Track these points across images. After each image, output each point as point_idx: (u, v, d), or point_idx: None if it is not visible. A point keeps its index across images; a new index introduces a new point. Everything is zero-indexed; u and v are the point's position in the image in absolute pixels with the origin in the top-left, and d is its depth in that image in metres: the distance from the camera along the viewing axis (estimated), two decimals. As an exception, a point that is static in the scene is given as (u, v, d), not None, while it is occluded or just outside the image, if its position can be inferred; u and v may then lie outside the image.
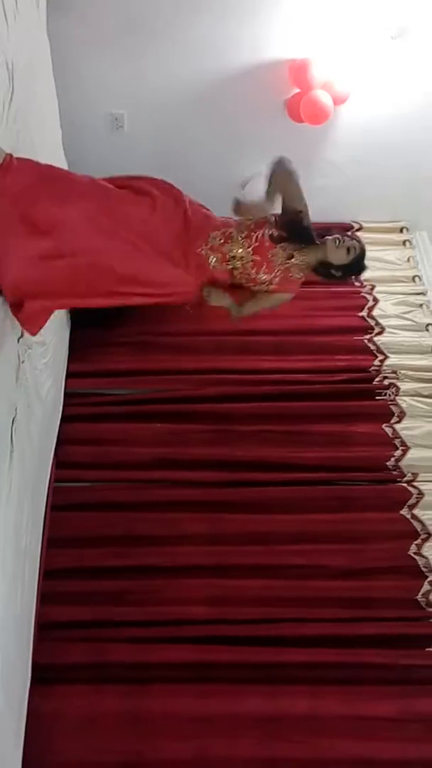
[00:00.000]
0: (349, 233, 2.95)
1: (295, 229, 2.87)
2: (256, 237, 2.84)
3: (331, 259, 2.86)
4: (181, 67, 4.10)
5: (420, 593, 3.46)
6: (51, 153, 3.58)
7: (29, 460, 2.87)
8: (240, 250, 2.80)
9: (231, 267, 2.81)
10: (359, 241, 2.98)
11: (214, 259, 2.78)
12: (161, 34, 3.93)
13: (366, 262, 4.64)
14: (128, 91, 4.20)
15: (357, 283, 4.74)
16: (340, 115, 4.32)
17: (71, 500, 3.65)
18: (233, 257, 2.79)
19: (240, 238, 2.82)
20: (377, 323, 4.53)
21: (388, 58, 4.05)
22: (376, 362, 4.32)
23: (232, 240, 2.81)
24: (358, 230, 5.02)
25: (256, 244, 2.83)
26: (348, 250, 2.85)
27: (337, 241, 2.84)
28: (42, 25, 3.41)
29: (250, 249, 2.82)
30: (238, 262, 2.80)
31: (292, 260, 2.86)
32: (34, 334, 2.65)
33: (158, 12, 3.83)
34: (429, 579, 3.49)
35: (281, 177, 2.86)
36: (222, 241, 2.81)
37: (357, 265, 2.99)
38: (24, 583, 2.74)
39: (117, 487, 3.78)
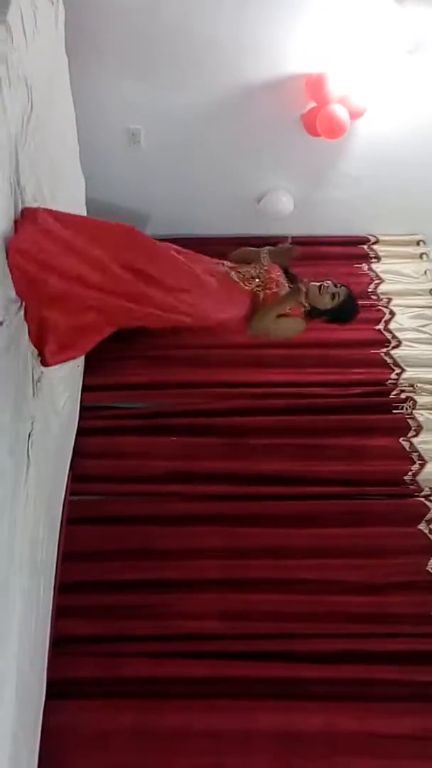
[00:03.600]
0: (335, 283, 3.03)
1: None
2: (266, 265, 3.05)
3: (316, 304, 2.92)
4: (197, 82, 4.12)
5: (437, 609, 3.44)
6: (68, 168, 3.61)
7: (45, 474, 2.87)
8: (258, 272, 2.97)
9: (254, 287, 2.85)
10: (345, 286, 3.07)
11: (236, 275, 2.83)
12: (178, 50, 3.95)
13: (383, 275, 4.72)
14: (145, 106, 4.22)
15: (374, 296, 4.74)
16: (357, 130, 4.32)
17: (86, 514, 3.66)
18: (253, 277, 2.91)
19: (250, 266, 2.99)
20: (394, 336, 4.52)
21: (404, 72, 4.06)
22: (393, 375, 4.31)
23: (245, 269, 3.00)
24: (374, 243, 5.03)
25: (266, 267, 3.01)
26: (333, 296, 2.93)
27: (321, 288, 2.92)
28: (60, 42, 3.43)
29: (263, 269, 2.98)
30: (258, 280, 2.87)
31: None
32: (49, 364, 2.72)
33: (174, 28, 3.85)
34: (446, 595, 3.47)
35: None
36: (237, 267, 3.00)
37: (345, 311, 3.04)
38: (39, 597, 2.74)
39: (132, 501, 3.78)
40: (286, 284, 2.96)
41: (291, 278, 3.09)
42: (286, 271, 3.11)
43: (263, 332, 3.03)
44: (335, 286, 2.98)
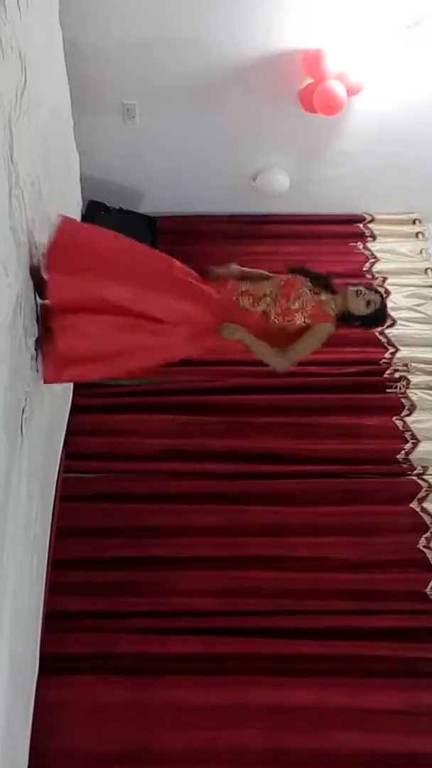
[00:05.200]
0: (371, 286, 2.95)
1: (310, 273, 2.98)
2: (283, 280, 2.91)
3: (351, 309, 2.89)
4: (193, 58, 4.08)
5: (429, 586, 3.45)
6: (63, 143, 3.58)
7: (39, 451, 2.86)
8: (270, 289, 2.84)
9: (264, 306, 2.80)
10: (381, 295, 2.99)
11: (246, 300, 2.82)
12: (174, 24, 3.90)
13: (378, 254, 4.70)
14: (140, 81, 4.18)
15: (369, 276, 4.73)
16: (354, 106, 4.29)
17: (80, 491, 3.66)
18: (264, 294, 2.82)
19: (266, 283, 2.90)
20: (388, 316, 4.49)
21: (403, 48, 4.02)
22: (387, 355, 4.31)
23: (258, 286, 2.87)
24: (370, 222, 5.00)
25: (284, 281, 2.89)
26: (368, 303, 2.89)
27: (359, 292, 2.87)
28: (54, 14, 3.39)
29: (278, 285, 2.87)
30: (269, 298, 2.82)
31: (320, 296, 2.89)
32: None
33: (170, 2, 3.81)
34: (438, 572, 3.49)
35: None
36: (249, 288, 2.86)
37: (377, 319, 3.02)
38: (32, 573, 2.75)
39: (126, 479, 3.79)
40: (308, 294, 2.86)
41: (323, 285, 2.97)
42: (319, 279, 2.98)
43: (284, 366, 2.92)
44: (370, 292, 2.92)
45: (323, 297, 2.90)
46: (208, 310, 2.79)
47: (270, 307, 2.81)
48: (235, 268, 2.98)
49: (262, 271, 3.02)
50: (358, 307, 2.89)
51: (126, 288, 2.67)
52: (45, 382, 2.79)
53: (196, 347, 2.90)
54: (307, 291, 2.88)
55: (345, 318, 2.94)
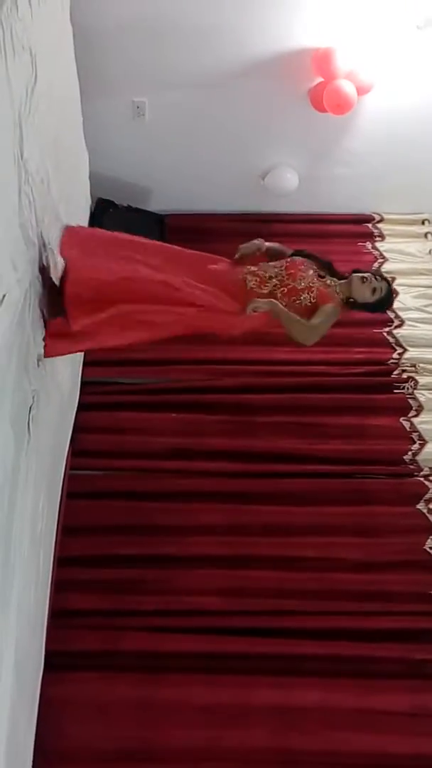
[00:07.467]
0: (378, 272, 2.94)
1: (313, 257, 3.00)
2: (287, 261, 2.91)
3: (355, 296, 2.89)
4: (204, 55, 4.08)
5: (435, 588, 3.45)
6: (72, 141, 3.58)
7: (46, 448, 2.86)
8: (275, 271, 2.85)
9: (271, 288, 2.81)
10: (388, 281, 2.99)
11: (253, 282, 2.82)
12: (184, 22, 3.91)
13: (387, 254, 4.69)
14: (150, 79, 4.18)
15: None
16: (364, 106, 4.28)
17: (87, 488, 3.66)
18: (270, 277, 2.83)
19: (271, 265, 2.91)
20: (397, 316, 4.49)
21: (413, 48, 4.01)
22: (395, 355, 4.30)
23: (265, 268, 2.88)
24: (379, 222, 4.99)
25: (288, 262, 2.90)
26: (374, 290, 2.88)
27: (364, 279, 2.87)
28: (66, 12, 3.39)
29: (283, 266, 2.87)
30: (275, 280, 2.83)
31: (325, 280, 2.90)
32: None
33: (181, 1, 3.81)
34: (444, 574, 3.48)
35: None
36: (256, 269, 2.87)
37: (381, 304, 3.01)
38: (38, 570, 2.75)
39: (133, 477, 3.79)
40: (313, 276, 2.87)
41: (328, 270, 2.98)
42: (323, 264, 2.99)
43: (310, 340, 2.90)
44: (377, 279, 2.91)
45: (328, 281, 2.90)
46: (228, 294, 2.80)
47: (276, 288, 2.81)
48: (259, 242, 2.98)
49: (284, 247, 3.03)
50: (363, 295, 2.89)
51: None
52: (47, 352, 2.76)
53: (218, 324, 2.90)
54: (312, 273, 2.88)
55: (350, 304, 2.94)
